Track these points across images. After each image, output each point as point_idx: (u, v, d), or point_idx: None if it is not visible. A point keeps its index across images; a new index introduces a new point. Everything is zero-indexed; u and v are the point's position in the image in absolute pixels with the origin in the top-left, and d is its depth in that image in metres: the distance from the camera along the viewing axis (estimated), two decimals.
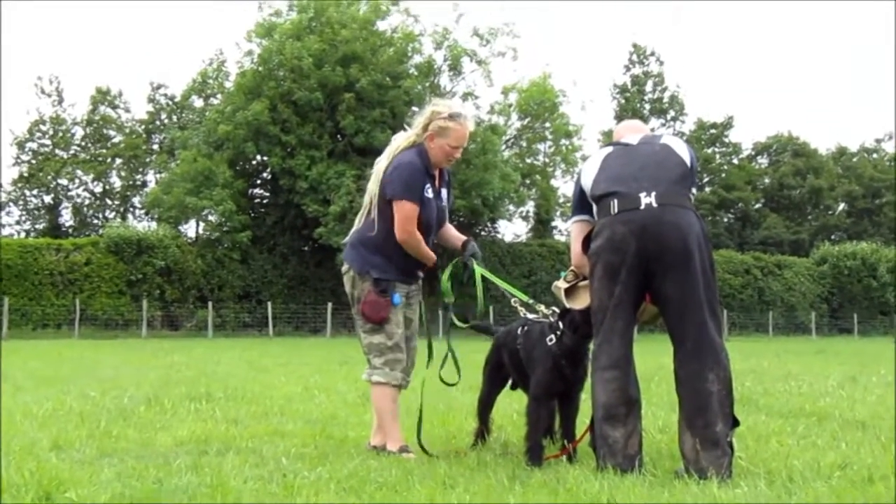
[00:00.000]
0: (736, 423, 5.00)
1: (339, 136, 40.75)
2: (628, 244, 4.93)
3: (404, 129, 6.02)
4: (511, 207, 45.77)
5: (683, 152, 5.21)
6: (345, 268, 5.92)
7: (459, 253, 5.99)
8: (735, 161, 66.74)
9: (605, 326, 5.05)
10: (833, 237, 62.09)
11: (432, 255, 5.85)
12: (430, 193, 5.79)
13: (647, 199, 4.95)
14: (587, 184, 5.30)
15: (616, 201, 5.02)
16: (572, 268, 5.57)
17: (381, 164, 5.85)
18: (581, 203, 5.44)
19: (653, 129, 5.86)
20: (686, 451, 4.85)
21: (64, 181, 53.29)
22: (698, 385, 4.86)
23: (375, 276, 5.74)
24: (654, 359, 11.60)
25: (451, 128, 5.75)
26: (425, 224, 5.78)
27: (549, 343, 5.45)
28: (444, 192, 6.01)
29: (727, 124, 65.64)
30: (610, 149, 5.39)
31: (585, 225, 5.42)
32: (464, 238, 6.03)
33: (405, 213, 5.67)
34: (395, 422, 5.79)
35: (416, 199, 5.69)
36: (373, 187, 5.80)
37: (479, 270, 5.86)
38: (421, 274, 6.07)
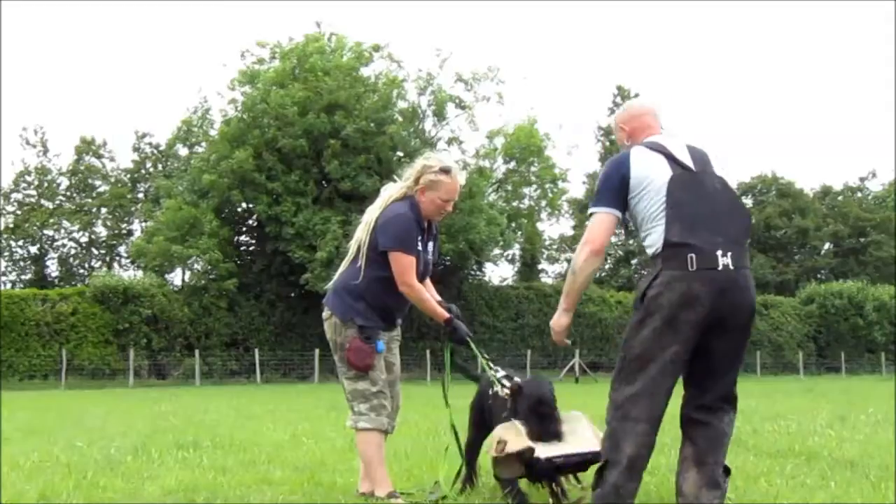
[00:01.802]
0: (727, 471, 4.92)
1: (324, 182, 40.80)
2: (703, 305, 4.71)
3: (394, 181, 6.05)
4: (497, 251, 45.76)
5: (738, 195, 5.12)
6: (326, 313, 5.90)
7: (443, 329, 5.89)
8: None
9: (653, 380, 4.77)
10: (819, 276, 62.18)
11: (441, 311, 5.79)
12: (419, 246, 5.82)
13: (724, 260, 4.75)
14: (646, 197, 4.92)
15: (694, 257, 4.75)
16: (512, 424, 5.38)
17: (371, 213, 5.86)
18: (616, 195, 4.97)
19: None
20: (686, 488, 4.74)
21: (50, 231, 53.29)
22: (717, 424, 4.82)
23: (360, 324, 5.73)
24: None
25: (443, 181, 5.81)
26: None
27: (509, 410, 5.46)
28: (430, 245, 6.03)
29: None
30: (668, 170, 4.94)
31: (615, 220, 5.01)
32: (445, 312, 5.84)
33: (403, 264, 5.67)
34: (382, 467, 5.76)
35: (412, 251, 5.70)
36: (361, 235, 5.80)
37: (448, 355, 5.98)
38: (400, 321, 6.08)
